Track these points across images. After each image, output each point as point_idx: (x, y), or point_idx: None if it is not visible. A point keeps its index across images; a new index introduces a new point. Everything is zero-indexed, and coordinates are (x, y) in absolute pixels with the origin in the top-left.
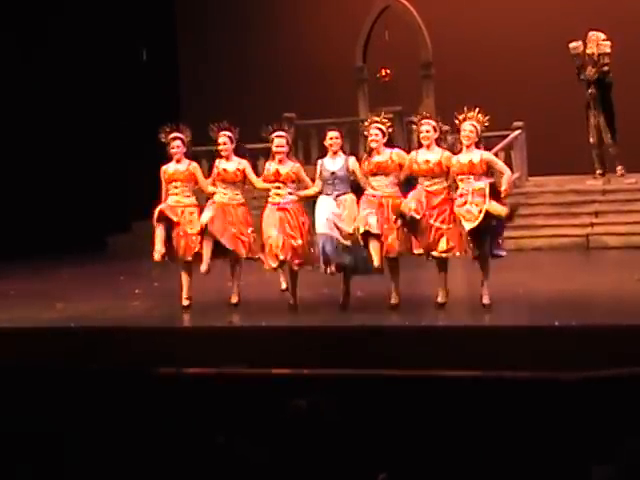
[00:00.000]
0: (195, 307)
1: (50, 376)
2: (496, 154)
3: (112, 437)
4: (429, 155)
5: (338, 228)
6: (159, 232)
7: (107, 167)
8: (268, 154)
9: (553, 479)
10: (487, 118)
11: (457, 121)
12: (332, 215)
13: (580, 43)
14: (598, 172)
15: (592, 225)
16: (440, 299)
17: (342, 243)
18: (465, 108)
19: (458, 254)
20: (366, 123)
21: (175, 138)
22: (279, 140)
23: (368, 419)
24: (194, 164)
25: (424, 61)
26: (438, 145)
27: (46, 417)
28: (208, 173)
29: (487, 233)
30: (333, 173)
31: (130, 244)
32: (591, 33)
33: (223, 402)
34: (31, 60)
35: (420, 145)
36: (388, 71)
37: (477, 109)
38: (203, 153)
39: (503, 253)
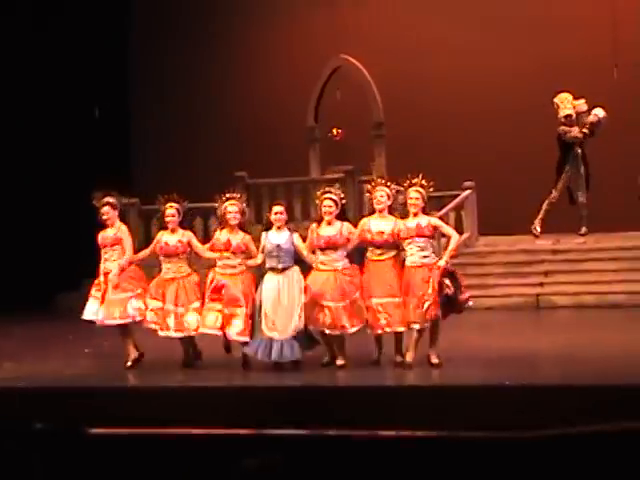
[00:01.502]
0: (144, 366)
1: None
2: (447, 214)
3: None
4: (383, 225)
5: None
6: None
7: (57, 224)
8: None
9: None
10: (431, 183)
11: (402, 188)
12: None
13: (566, 95)
14: (537, 231)
15: (542, 285)
16: (401, 358)
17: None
18: (409, 175)
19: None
20: (318, 193)
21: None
22: (233, 207)
23: (316, 477)
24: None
25: (376, 121)
26: (390, 212)
27: None
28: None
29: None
30: (278, 246)
31: (80, 301)
32: (563, 96)
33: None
34: None
35: (373, 211)
36: (340, 130)
37: (421, 175)
38: (153, 212)
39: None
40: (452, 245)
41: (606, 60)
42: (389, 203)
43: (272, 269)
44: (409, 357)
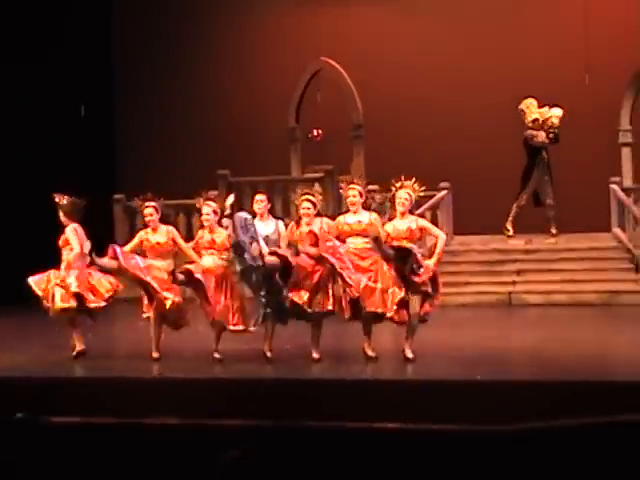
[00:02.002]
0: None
1: None
2: (423, 213)
3: None
4: (359, 217)
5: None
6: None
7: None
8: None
9: None
10: (423, 188)
11: (394, 188)
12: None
13: (531, 100)
14: (509, 232)
15: (514, 283)
16: (370, 353)
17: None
18: (402, 177)
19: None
20: (297, 195)
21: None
22: (206, 209)
23: (289, 467)
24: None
25: (355, 123)
26: (364, 208)
27: None
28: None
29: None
30: (267, 236)
31: None
32: (528, 101)
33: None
34: None
35: (348, 210)
36: (320, 131)
37: (414, 179)
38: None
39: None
40: (440, 246)
41: (578, 66)
42: (362, 201)
43: None
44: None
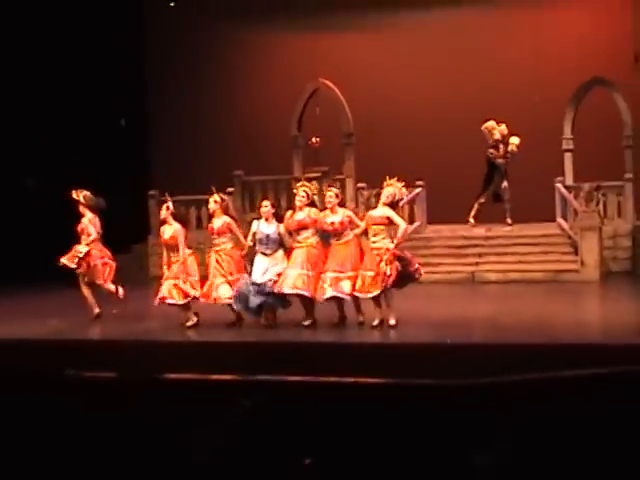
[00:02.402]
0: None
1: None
2: (402, 207)
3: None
4: (333, 217)
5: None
6: None
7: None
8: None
9: (441, 465)
10: (403, 184)
11: (385, 183)
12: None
13: (492, 123)
14: (472, 222)
15: (477, 264)
16: (362, 319)
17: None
18: (387, 176)
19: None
20: (298, 185)
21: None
22: (211, 199)
23: (297, 418)
24: None
25: (346, 132)
26: (340, 206)
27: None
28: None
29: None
30: (267, 235)
31: (129, 263)
32: (490, 124)
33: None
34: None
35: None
36: (318, 139)
37: (396, 177)
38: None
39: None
40: (400, 233)
41: (530, 87)
42: (337, 201)
43: (262, 253)
44: (376, 320)
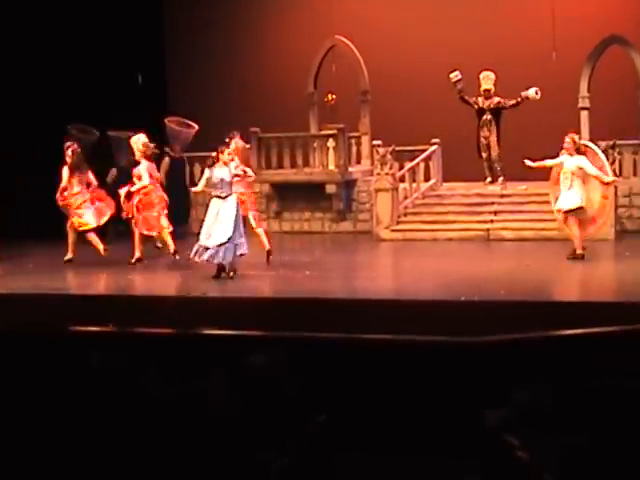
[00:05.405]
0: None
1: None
2: (418, 164)
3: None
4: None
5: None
6: None
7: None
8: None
9: (453, 421)
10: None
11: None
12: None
13: (457, 73)
14: (488, 180)
15: (492, 222)
16: None
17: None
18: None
19: None
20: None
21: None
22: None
23: (312, 372)
24: None
25: (362, 89)
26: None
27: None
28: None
29: None
30: (222, 179)
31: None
32: (486, 73)
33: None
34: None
35: None
36: (334, 96)
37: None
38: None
39: None
40: None
41: (548, 44)
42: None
43: (217, 197)
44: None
